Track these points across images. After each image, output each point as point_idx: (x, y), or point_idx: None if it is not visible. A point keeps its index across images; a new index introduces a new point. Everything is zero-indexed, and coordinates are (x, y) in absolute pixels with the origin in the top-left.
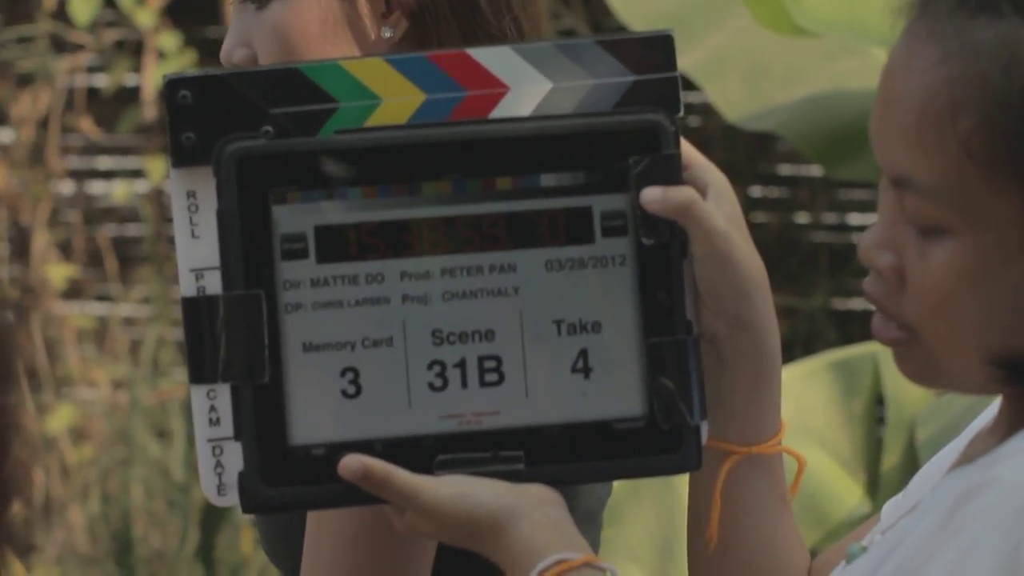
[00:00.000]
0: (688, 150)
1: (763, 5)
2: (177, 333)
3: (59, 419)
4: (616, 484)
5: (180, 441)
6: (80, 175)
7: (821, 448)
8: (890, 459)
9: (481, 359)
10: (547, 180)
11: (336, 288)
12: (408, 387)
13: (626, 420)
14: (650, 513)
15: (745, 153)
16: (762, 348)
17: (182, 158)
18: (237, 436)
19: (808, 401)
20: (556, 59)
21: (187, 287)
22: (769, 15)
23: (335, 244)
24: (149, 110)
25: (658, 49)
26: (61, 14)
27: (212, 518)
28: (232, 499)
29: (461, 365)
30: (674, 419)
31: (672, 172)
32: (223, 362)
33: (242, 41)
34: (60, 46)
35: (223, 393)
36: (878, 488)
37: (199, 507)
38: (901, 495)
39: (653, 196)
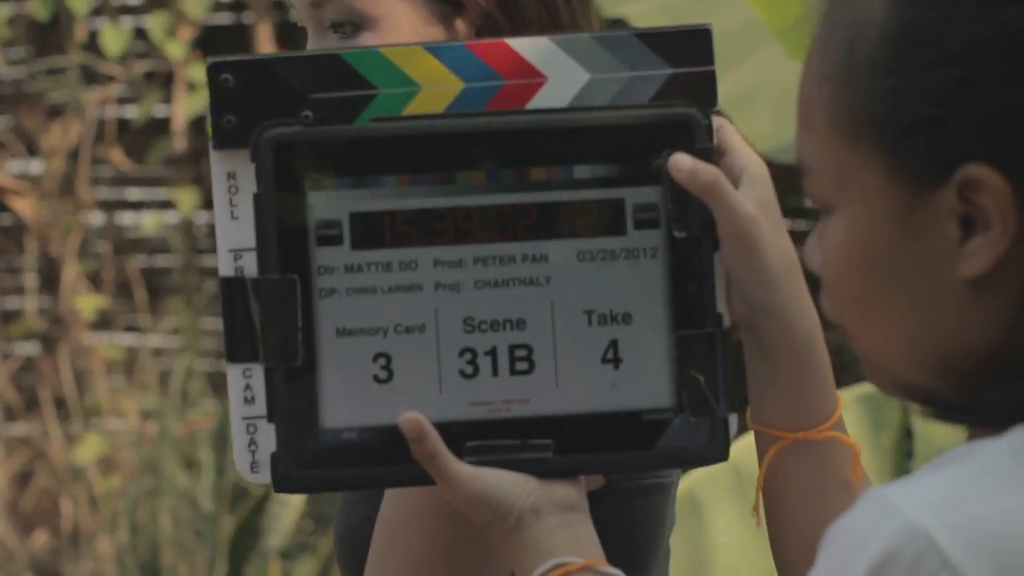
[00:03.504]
0: (728, 134)
1: (793, 37)
2: (206, 364)
3: (88, 449)
4: None
5: (208, 472)
6: (110, 206)
7: None
8: None
9: (512, 347)
10: (581, 171)
11: (370, 274)
12: (439, 374)
13: (655, 411)
14: (679, 544)
15: (774, 185)
16: (791, 335)
17: (223, 140)
18: (270, 418)
19: None
20: (594, 51)
21: (225, 267)
22: (799, 47)
23: (369, 231)
24: (179, 141)
25: (696, 43)
26: (92, 46)
27: (240, 548)
28: (264, 477)
29: (492, 353)
30: (702, 411)
31: None
32: (258, 343)
33: None
34: (91, 77)
35: (258, 372)
36: None
37: (227, 538)
38: None
39: (683, 165)
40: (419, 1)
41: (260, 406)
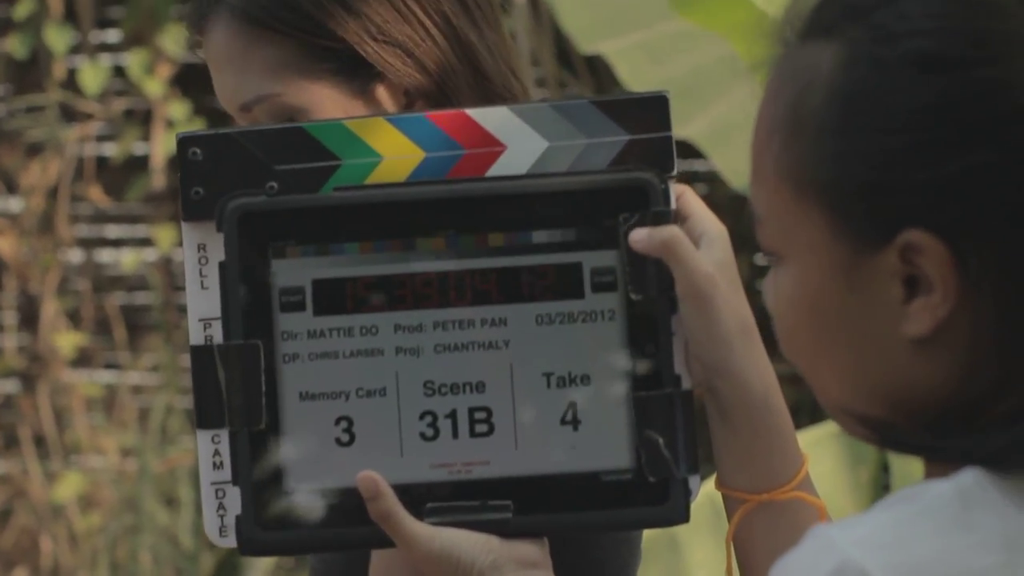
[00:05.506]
0: (688, 200)
1: None
2: (186, 401)
3: (68, 487)
4: None
5: (188, 509)
6: (89, 243)
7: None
8: None
9: (472, 410)
10: (539, 236)
11: (332, 340)
12: (400, 436)
13: (614, 472)
14: None
15: (751, 221)
16: (748, 397)
17: (192, 212)
18: (235, 481)
19: (814, 469)
20: (552, 119)
21: (195, 336)
22: None
23: (331, 297)
24: (158, 178)
25: (653, 109)
26: (70, 83)
27: None
28: (233, 540)
29: (452, 416)
30: (661, 472)
31: None
32: (225, 408)
33: None
34: (69, 115)
35: (226, 438)
36: None
37: (208, 575)
38: None
39: (640, 235)
40: (336, 80)
41: (228, 471)
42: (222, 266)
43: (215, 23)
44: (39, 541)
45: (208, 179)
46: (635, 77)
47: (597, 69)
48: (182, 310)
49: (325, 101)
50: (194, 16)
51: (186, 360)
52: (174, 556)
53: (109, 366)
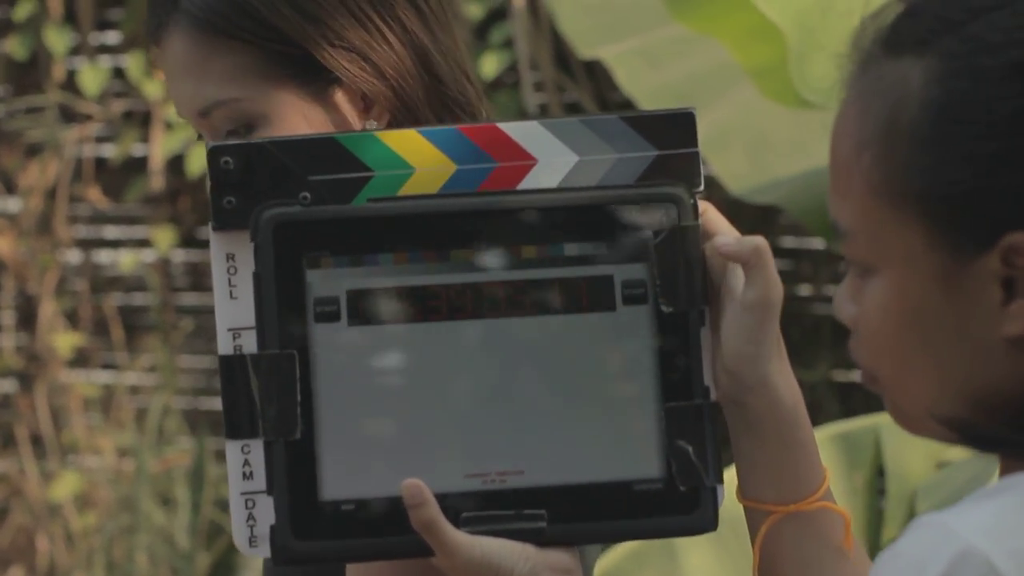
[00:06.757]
0: (712, 217)
1: (769, 78)
2: (183, 402)
3: (64, 486)
4: (618, 552)
5: (185, 509)
6: (87, 244)
7: None
8: (891, 531)
9: (505, 420)
10: (570, 249)
11: (366, 349)
12: (434, 446)
13: (645, 481)
14: None
15: (748, 226)
16: (778, 411)
17: (223, 222)
18: (270, 491)
19: None
20: (582, 133)
21: (224, 346)
22: (775, 88)
23: (366, 307)
24: (156, 180)
25: (680, 126)
26: (70, 84)
27: None
28: (263, 551)
29: (485, 426)
30: (692, 481)
31: (691, 243)
32: (257, 418)
33: None
34: (69, 116)
35: (256, 448)
36: None
37: (203, 575)
38: None
39: (727, 241)
40: (294, 86)
41: (258, 481)
42: (256, 276)
43: (173, 32)
44: (35, 540)
45: (240, 188)
46: (633, 82)
47: (596, 74)
48: (180, 311)
49: (283, 106)
50: (151, 26)
51: (183, 361)
52: (170, 556)
53: (106, 366)
